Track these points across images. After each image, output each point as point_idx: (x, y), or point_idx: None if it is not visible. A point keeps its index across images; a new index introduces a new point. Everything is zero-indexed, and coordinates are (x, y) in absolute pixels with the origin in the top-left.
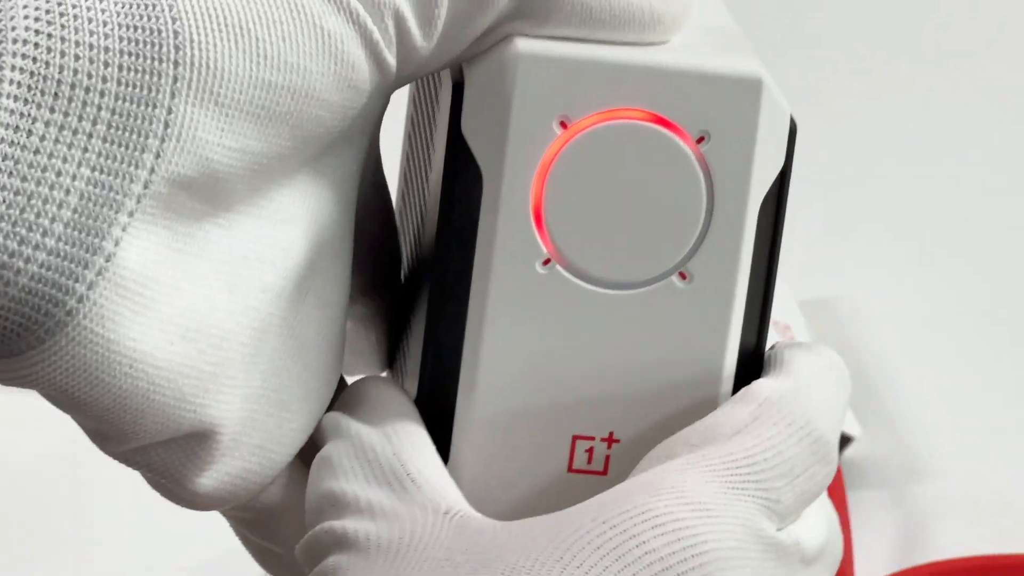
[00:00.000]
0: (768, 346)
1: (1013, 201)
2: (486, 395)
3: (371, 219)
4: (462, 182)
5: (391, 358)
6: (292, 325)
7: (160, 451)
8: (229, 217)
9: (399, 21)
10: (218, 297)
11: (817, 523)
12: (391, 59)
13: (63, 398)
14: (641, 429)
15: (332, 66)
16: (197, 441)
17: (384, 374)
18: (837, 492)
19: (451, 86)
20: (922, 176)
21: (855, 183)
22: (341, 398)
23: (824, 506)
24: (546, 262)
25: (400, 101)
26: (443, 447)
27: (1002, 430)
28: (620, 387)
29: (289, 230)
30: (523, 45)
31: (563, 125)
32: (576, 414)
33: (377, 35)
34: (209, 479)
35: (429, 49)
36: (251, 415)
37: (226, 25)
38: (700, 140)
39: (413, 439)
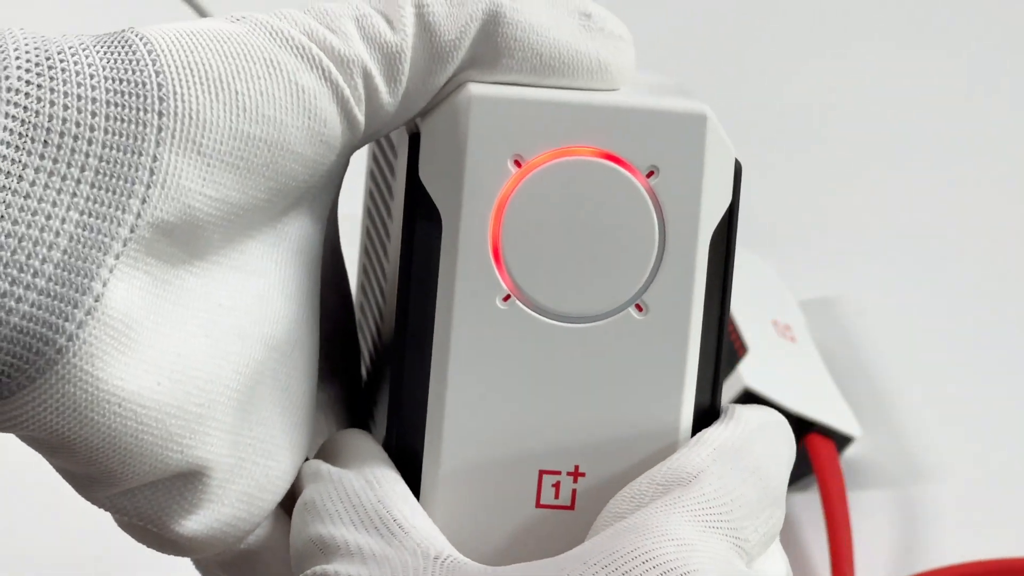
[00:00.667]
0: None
1: (1013, 201)
2: (453, 433)
3: (330, 293)
4: (421, 226)
5: None
6: (276, 373)
7: (147, 494)
8: (204, 266)
9: (367, 78)
10: (196, 341)
11: (777, 563)
12: (360, 116)
13: (53, 440)
14: (606, 462)
15: (306, 120)
16: (184, 483)
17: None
18: (837, 492)
19: (408, 138)
20: (922, 175)
21: (855, 183)
22: (319, 452)
23: (779, 547)
24: (506, 298)
25: (358, 169)
26: (413, 487)
27: (1002, 430)
28: (583, 420)
29: (261, 282)
30: (475, 89)
31: (517, 163)
32: (541, 449)
33: (347, 92)
34: (196, 523)
35: (394, 105)
36: (238, 460)
37: (207, 79)
38: (650, 174)
39: (395, 486)
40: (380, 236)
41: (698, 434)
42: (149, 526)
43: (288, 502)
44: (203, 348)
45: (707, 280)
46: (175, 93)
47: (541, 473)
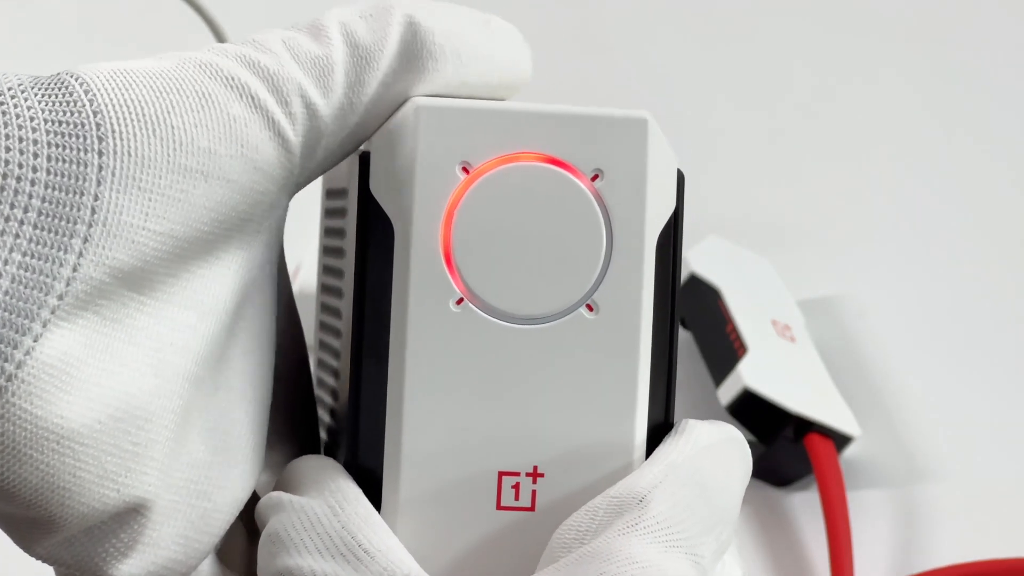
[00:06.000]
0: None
1: (1013, 201)
2: (412, 439)
3: (283, 335)
4: (374, 237)
5: None
6: (212, 414)
7: (85, 541)
8: (152, 304)
9: (303, 94)
10: (144, 380)
11: (734, 571)
12: (294, 137)
13: None
14: (564, 462)
15: (239, 149)
16: (120, 525)
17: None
18: (837, 492)
19: (358, 159)
20: (922, 176)
21: (855, 183)
22: (279, 481)
23: (734, 554)
24: (459, 301)
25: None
26: (375, 499)
27: (1002, 430)
28: (540, 420)
29: (206, 318)
30: (422, 100)
31: (465, 170)
32: (500, 450)
33: (279, 115)
34: (134, 568)
35: (332, 117)
36: (172, 501)
37: (143, 116)
38: (595, 177)
39: (357, 509)
40: (335, 272)
41: (652, 453)
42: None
43: (233, 542)
44: (150, 387)
45: (655, 281)
46: (114, 131)
47: (500, 475)
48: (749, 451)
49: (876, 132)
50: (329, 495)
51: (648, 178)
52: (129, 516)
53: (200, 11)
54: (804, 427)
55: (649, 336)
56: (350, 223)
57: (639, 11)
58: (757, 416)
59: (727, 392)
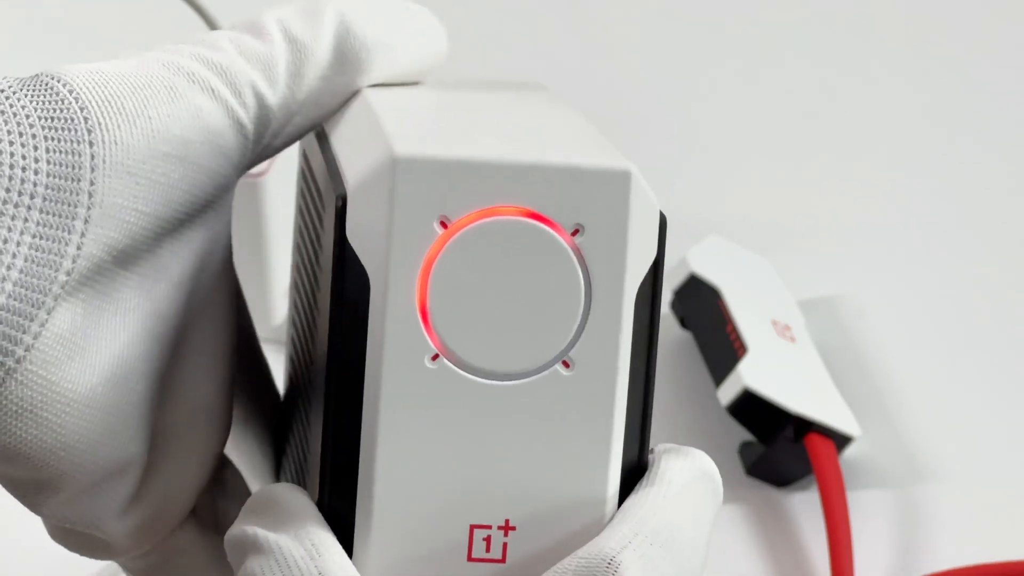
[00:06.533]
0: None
1: (1013, 201)
2: (385, 490)
3: (232, 306)
4: (350, 286)
5: (278, 465)
6: (186, 377)
7: (85, 500)
8: (134, 278)
9: (253, 86)
10: (133, 347)
11: None
12: (249, 124)
13: (11, 443)
14: (536, 515)
15: (207, 135)
16: (118, 481)
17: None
18: (837, 492)
19: (335, 196)
20: (922, 176)
21: (855, 183)
22: (250, 505)
23: None
24: (434, 357)
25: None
26: (346, 544)
27: (1002, 430)
28: (513, 475)
29: (176, 289)
30: (401, 150)
31: (443, 225)
32: (472, 503)
33: (235, 104)
34: (126, 523)
35: (278, 106)
36: (160, 458)
37: (123, 109)
38: (575, 232)
39: (332, 553)
40: (310, 251)
41: (623, 505)
42: (89, 530)
43: (205, 512)
44: (137, 352)
45: (633, 335)
46: (100, 124)
47: (472, 527)
48: (720, 484)
49: (876, 132)
50: (307, 538)
51: (629, 233)
52: (125, 472)
53: (200, 11)
54: (804, 427)
55: (625, 391)
56: (325, 259)
57: (639, 10)
58: (757, 416)
59: (727, 392)
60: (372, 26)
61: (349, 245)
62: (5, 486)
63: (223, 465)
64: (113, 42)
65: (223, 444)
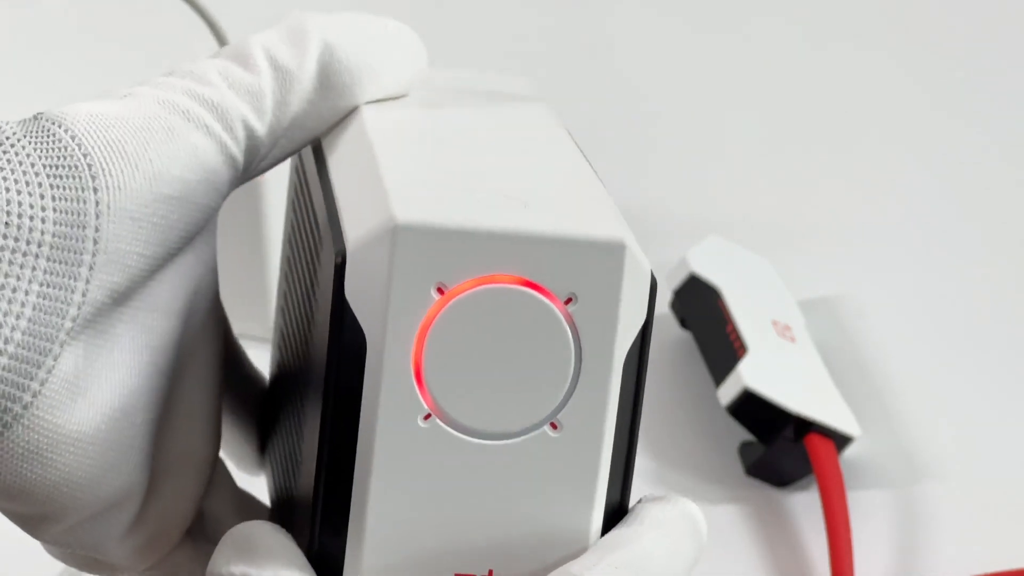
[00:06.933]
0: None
1: (1013, 200)
2: (374, 539)
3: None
4: (347, 345)
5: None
6: (182, 400)
7: (87, 526)
8: (129, 313)
9: (244, 119)
10: (130, 380)
11: None
12: (240, 156)
13: (17, 482)
14: (519, 567)
15: (203, 174)
16: (119, 508)
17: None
18: (837, 492)
19: (334, 251)
20: (922, 176)
21: (855, 183)
22: (233, 543)
23: None
24: (427, 417)
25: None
26: None
27: (1002, 430)
28: (498, 528)
29: (168, 318)
30: (401, 217)
31: (440, 291)
32: (458, 554)
33: (227, 139)
34: (127, 546)
35: (265, 135)
36: (159, 482)
37: (124, 153)
38: (568, 301)
39: None
40: (304, 273)
41: (599, 540)
42: (91, 553)
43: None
44: (133, 386)
45: (620, 397)
46: (104, 170)
47: None
48: (703, 527)
49: (876, 132)
50: None
51: (621, 303)
52: (126, 501)
53: (200, 12)
54: (804, 427)
55: (610, 452)
56: (322, 304)
57: (639, 10)
58: (757, 416)
59: (727, 392)
60: (355, 50)
61: (348, 305)
62: (7, 516)
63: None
64: (114, 43)
65: (217, 455)
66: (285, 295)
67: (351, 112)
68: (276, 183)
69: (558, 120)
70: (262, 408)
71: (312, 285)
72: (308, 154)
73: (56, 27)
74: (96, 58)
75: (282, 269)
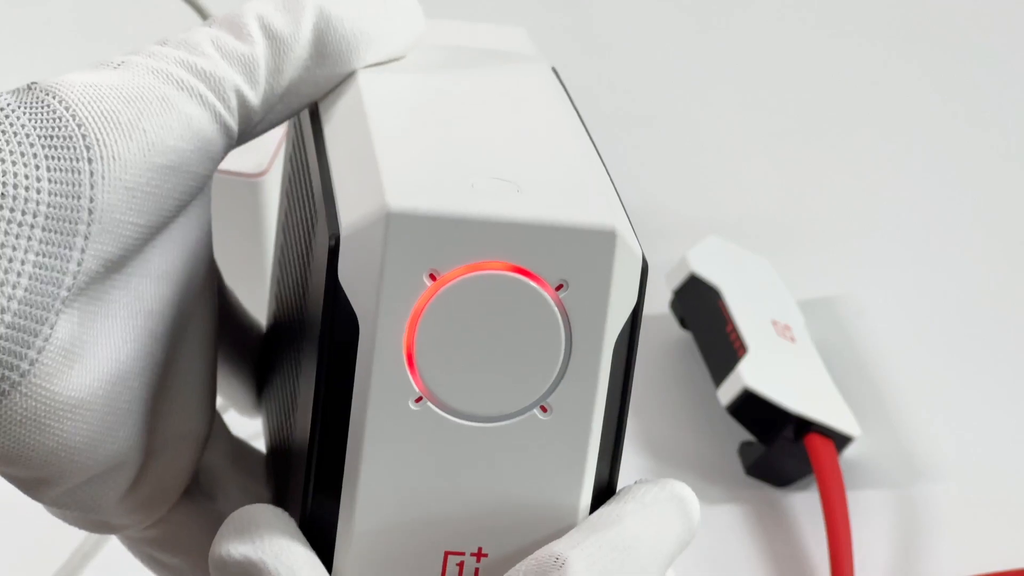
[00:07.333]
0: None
1: (1014, 201)
2: (364, 518)
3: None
4: (339, 329)
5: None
6: (179, 366)
7: (85, 488)
8: (123, 280)
9: (237, 89)
10: (125, 346)
11: None
12: (234, 125)
13: (15, 448)
14: (508, 543)
15: (197, 143)
16: (116, 471)
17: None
18: (836, 492)
19: (328, 234)
20: (922, 176)
21: (855, 183)
22: (234, 525)
23: None
24: (418, 399)
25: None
26: (326, 562)
27: (1002, 430)
28: (488, 507)
29: (162, 283)
30: (394, 205)
31: (432, 277)
32: (447, 532)
33: (221, 108)
34: (125, 507)
35: (259, 104)
36: (156, 445)
37: (119, 123)
38: (559, 287)
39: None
40: (301, 236)
41: (586, 518)
42: (90, 514)
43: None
44: (129, 351)
45: (610, 381)
46: (98, 140)
47: (446, 554)
48: (694, 509)
49: (876, 132)
50: (292, 562)
51: (612, 289)
52: (124, 464)
53: (200, 12)
54: (804, 427)
55: (599, 434)
56: (316, 284)
57: (639, 9)
58: (757, 416)
59: (727, 392)
60: (351, 15)
61: (341, 288)
62: (6, 479)
63: None
64: (114, 43)
65: (213, 413)
66: (282, 248)
67: (348, 76)
68: (276, 183)
69: (558, 83)
70: (258, 354)
71: (307, 251)
72: (305, 116)
73: (56, 27)
74: (96, 58)
75: (279, 220)
